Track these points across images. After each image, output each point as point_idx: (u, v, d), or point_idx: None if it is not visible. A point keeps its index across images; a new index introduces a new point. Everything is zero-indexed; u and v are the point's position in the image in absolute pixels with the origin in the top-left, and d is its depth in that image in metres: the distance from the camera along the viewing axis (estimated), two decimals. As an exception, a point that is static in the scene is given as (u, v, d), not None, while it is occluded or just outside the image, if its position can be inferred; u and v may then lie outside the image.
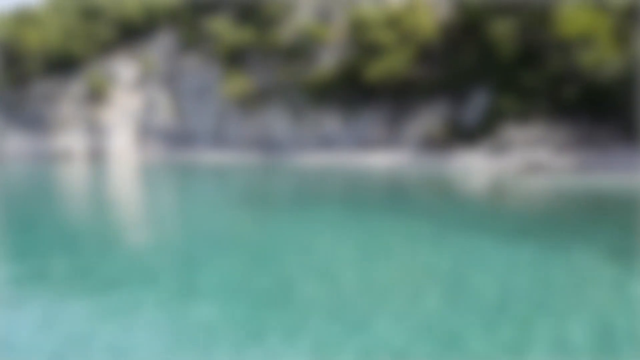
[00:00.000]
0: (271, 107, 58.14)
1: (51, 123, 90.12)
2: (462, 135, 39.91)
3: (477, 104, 40.88)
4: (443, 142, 40.73)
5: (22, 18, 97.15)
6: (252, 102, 62.33)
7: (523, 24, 35.96)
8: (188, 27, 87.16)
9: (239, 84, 65.58)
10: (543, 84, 35.24)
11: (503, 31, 36.51)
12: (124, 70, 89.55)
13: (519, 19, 35.98)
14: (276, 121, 56.50)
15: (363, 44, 45.46)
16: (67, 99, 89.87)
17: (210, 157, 68.30)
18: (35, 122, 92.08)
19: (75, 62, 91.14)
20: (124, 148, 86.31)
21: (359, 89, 47.92)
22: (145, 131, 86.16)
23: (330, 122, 50.43)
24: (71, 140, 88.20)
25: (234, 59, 71.76)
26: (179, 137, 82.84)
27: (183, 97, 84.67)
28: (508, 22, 36.57)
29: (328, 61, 52.04)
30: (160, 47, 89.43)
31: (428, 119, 43.46)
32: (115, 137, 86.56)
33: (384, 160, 42.83)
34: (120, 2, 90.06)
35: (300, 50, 55.27)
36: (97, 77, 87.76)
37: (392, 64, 43.78)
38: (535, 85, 35.53)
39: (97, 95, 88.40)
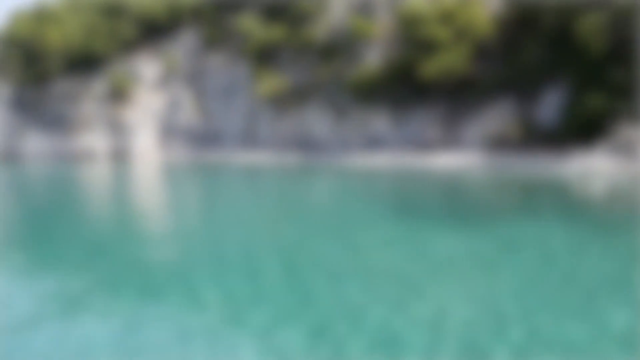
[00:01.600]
0: (309, 106, 56.02)
1: (72, 123, 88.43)
2: (537, 134, 37.64)
3: (553, 102, 38.70)
4: (517, 143, 38.43)
5: (41, 16, 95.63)
6: (286, 101, 60.37)
7: (612, 19, 33.81)
8: (212, 25, 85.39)
9: (271, 82, 63.65)
10: (633, 80, 33.19)
11: (591, 27, 34.34)
12: (146, 68, 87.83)
13: (607, 14, 33.85)
14: (315, 120, 54.30)
15: (415, 40, 43.35)
16: (89, 98, 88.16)
17: (240, 157, 66.39)
18: (55, 121, 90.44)
19: (97, 60, 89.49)
20: (147, 148, 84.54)
21: (411, 87, 45.80)
22: (169, 131, 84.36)
23: (378, 121, 48.12)
24: (93, 140, 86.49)
25: (264, 57, 69.88)
26: (205, 137, 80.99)
27: (208, 96, 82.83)
28: (596, 17, 34.37)
29: (374, 58, 49.94)
30: (184, 45, 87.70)
31: (493, 118, 41.21)
32: (138, 137, 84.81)
33: (444, 162, 40.40)
34: (142, 0, 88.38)
35: (343, 47, 53.22)
36: (119, 75, 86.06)
37: (448, 61, 41.65)
38: (625, 81, 33.47)
39: (119, 95, 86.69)
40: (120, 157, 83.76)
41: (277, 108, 62.44)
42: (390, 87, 46.85)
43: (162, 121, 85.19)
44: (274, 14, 72.69)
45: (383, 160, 44.91)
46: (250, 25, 72.82)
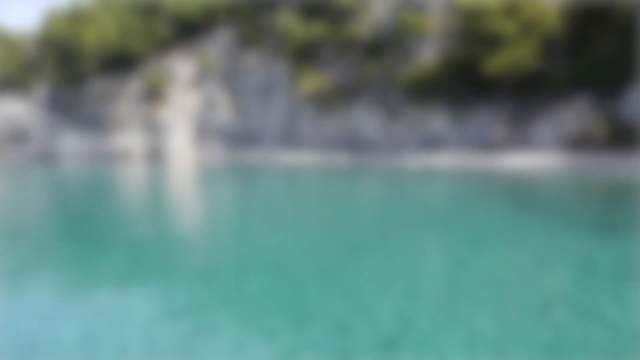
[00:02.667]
0: (357, 105, 54.40)
1: (108, 122, 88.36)
2: (623, 133, 35.27)
3: (639, 99, 36.38)
4: (601, 142, 36.14)
5: (76, 16, 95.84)
6: (330, 99, 58.93)
7: None
8: (248, 23, 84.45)
9: (313, 81, 62.29)
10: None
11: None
12: (181, 68, 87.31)
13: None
14: (364, 119, 52.63)
15: (478, 35, 41.41)
16: (124, 98, 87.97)
17: (280, 157, 65.19)
18: (91, 121, 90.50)
19: (132, 60, 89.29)
20: (182, 148, 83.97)
21: (472, 84, 43.87)
22: (204, 130, 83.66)
23: (435, 120, 46.16)
24: (129, 140, 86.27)
25: (304, 55, 68.57)
26: (241, 137, 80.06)
27: (244, 96, 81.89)
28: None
29: (428, 55, 48.15)
30: (219, 44, 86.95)
31: (569, 116, 38.95)
32: (174, 136, 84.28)
33: (516, 163, 38.19)
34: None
35: (392, 44, 51.54)
36: (155, 75, 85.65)
37: (514, 56, 39.61)
38: None
39: (155, 94, 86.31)
40: (156, 157, 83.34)
41: (320, 107, 61.01)
42: (448, 84, 44.96)
43: (197, 121, 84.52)
44: (312, 11, 71.35)
45: (444, 161, 42.94)
46: (289, 23, 71.58)
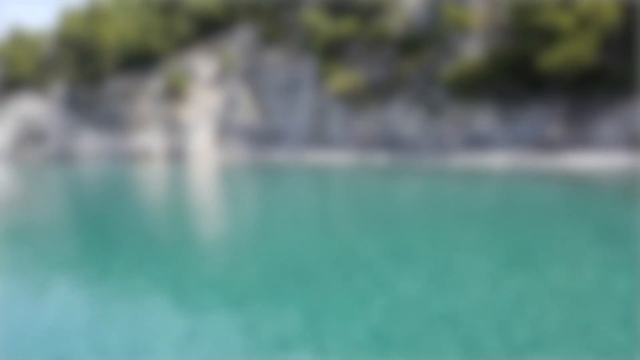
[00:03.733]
0: (393, 102, 52.60)
1: (128, 121, 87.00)
2: None
3: None
4: None
5: (94, 15, 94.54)
6: (363, 97, 57.24)
7: None
8: (269, 20, 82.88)
9: (344, 78, 60.64)
10: None
11: None
12: (202, 66, 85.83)
13: None
14: (402, 118, 50.76)
15: (532, 29, 39.53)
16: (144, 97, 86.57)
17: (308, 157, 63.55)
18: (110, 120, 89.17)
19: (152, 58, 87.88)
20: (203, 147, 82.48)
21: (523, 81, 42.04)
22: (226, 130, 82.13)
23: (482, 118, 44.24)
24: (149, 140, 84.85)
25: (332, 52, 66.92)
26: (264, 136, 78.48)
27: (267, 94, 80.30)
28: None
29: (473, 50, 46.36)
30: (240, 41, 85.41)
31: (632, 114, 37.19)
32: (195, 135, 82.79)
33: (578, 163, 36.26)
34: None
35: (431, 39, 49.78)
36: (175, 73, 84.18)
37: (572, 51, 37.77)
38: None
39: (175, 93, 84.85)
40: (177, 156, 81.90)
41: (352, 105, 59.32)
42: (496, 80, 43.12)
43: (218, 120, 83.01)
44: (339, 8, 69.67)
45: (494, 161, 41.08)
46: (316, 19, 69.91)
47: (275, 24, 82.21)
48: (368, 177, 34.19)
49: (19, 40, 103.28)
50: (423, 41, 51.15)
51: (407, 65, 51.47)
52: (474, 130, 45.20)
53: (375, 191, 26.09)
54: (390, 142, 52.07)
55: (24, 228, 17.46)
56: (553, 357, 6.70)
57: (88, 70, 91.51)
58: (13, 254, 13.13)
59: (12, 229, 17.03)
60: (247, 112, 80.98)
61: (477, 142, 44.88)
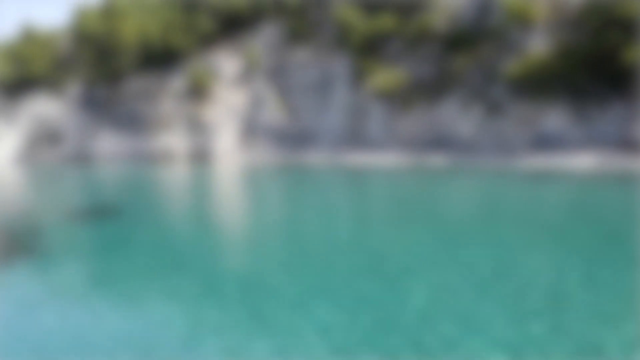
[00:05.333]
0: (445, 101, 49.85)
1: (148, 121, 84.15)
2: None
3: None
4: None
5: (111, 11, 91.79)
6: (408, 96, 54.58)
7: None
8: (297, 17, 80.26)
9: (385, 76, 58.01)
10: None
11: None
12: (226, 64, 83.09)
13: None
14: (456, 117, 48.05)
15: (614, 23, 36.94)
16: (166, 96, 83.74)
17: (345, 158, 60.87)
18: (130, 120, 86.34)
19: (174, 56, 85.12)
20: (228, 148, 79.71)
21: (601, 77, 39.34)
22: (252, 130, 79.37)
23: (552, 117, 41.46)
24: (171, 140, 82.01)
25: (369, 49, 64.32)
26: (293, 137, 75.74)
27: (295, 93, 77.63)
28: None
29: (539, 44, 43.64)
30: (265, 39, 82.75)
31: None
32: (219, 136, 80.00)
33: None
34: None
35: (492, 33, 47.07)
36: (198, 72, 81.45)
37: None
38: None
39: (198, 92, 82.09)
40: (200, 157, 79.14)
41: (394, 104, 56.64)
42: (569, 77, 40.40)
43: (244, 119, 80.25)
44: (374, 3, 67.10)
45: (571, 162, 38.30)
46: (350, 16, 67.28)
47: (302, 20, 79.57)
48: (424, 179, 31.48)
49: (32, 39, 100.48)
50: (475, 36, 48.51)
51: (460, 61, 48.80)
52: (543, 129, 42.46)
53: (436, 194, 23.41)
54: (441, 142, 49.29)
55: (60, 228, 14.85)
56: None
57: (106, 68, 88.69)
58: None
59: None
60: (273, 112, 78.27)
61: (546, 142, 42.16)
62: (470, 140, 46.41)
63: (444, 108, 49.61)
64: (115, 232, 15.75)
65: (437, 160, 47.12)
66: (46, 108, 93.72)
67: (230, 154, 78.98)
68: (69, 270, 11.35)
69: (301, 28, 78.74)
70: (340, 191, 25.80)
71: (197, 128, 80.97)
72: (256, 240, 14.13)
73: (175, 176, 41.21)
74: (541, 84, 42.07)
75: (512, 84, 44.43)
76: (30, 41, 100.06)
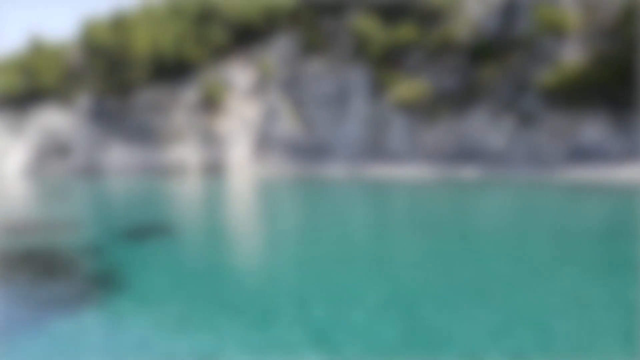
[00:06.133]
0: (473, 112, 48.96)
1: (160, 134, 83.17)
2: None
3: None
4: None
5: (120, 23, 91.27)
6: (432, 107, 53.78)
7: None
8: (311, 28, 79.79)
9: (408, 87, 57.28)
10: None
11: None
12: (239, 76, 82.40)
13: None
14: (486, 128, 47.06)
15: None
16: (178, 108, 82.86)
17: (366, 171, 59.91)
18: (141, 133, 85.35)
19: (186, 68, 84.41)
20: (242, 160, 78.72)
21: (635, 87, 38.49)
22: (266, 142, 78.45)
23: (590, 128, 40.56)
24: (184, 153, 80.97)
25: (389, 60, 63.70)
26: (308, 149, 74.83)
27: (309, 105, 76.86)
28: None
29: (572, 54, 42.94)
30: (279, 50, 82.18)
31: None
32: (233, 148, 79.03)
33: None
34: (236, 3, 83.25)
35: (523, 43, 46.36)
36: (211, 83, 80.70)
37: None
38: None
39: (211, 104, 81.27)
40: (213, 170, 78.09)
41: (417, 115, 55.83)
42: (607, 87, 39.68)
43: (257, 132, 79.37)
44: (392, 13, 66.63)
45: (614, 174, 37.27)
46: (368, 26, 66.76)
47: (317, 31, 79.09)
48: (453, 191, 30.41)
49: (41, 50, 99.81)
50: (502, 46, 47.84)
51: (488, 71, 48.07)
52: (580, 141, 41.51)
53: (469, 206, 22.36)
54: (470, 154, 48.31)
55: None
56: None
57: (117, 80, 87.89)
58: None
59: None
60: (288, 124, 77.44)
61: (584, 154, 41.24)
62: (501, 152, 45.48)
63: (472, 119, 48.75)
64: (188, 251, 14.65)
65: (467, 172, 46.17)
66: (55, 120, 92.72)
67: (244, 166, 77.96)
68: (168, 306, 10.23)
69: (315, 39, 78.23)
70: (368, 204, 24.73)
71: (210, 140, 80.00)
72: (324, 254, 13.10)
73: (194, 189, 40.12)
74: (577, 94, 41.30)
75: (546, 94, 43.66)
76: (38, 53, 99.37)
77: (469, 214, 20.82)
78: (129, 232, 18.75)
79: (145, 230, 19.40)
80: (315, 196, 29.92)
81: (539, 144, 43.45)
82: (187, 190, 39.33)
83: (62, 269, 12.63)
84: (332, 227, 17.64)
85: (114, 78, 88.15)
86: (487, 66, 49.00)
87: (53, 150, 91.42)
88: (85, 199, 34.14)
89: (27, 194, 40.35)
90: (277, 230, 17.70)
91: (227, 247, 15.11)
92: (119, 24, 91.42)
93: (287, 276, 11.74)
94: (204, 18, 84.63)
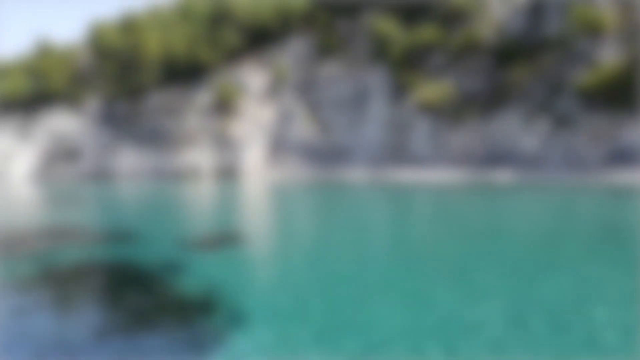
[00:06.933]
0: (503, 114, 47.66)
1: (172, 137, 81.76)
2: None
3: None
4: None
5: (129, 26, 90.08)
6: (457, 109, 52.51)
7: None
8: (326, 30, 78.66)
9: (432, 89, 56.01)
10: None
11: None
12: (253, 78, 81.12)
13: None
14: (518, 131, 45.79)
15: None
16: (191, 111, 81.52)
17: (388, 175, 58.54)
18: (152, 136, 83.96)
19: (199, 70, 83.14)
20: (256, 164, 77.33)
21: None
22: (280, 146, 77.09)
23: (633, 130, 39.30)
24: (197, 157, 79.54)
25: (410, 62, 62.44)
26: (325, 153, 73.44)
27: (325, 108, 75.59)
28: None
29: (610, 55, 41.78)
30: (293, 53, 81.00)
31: None
32: (247, 152, 77.64)
33: None
34: (249, 5, 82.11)
35: (558, 44, 45.15)
36: (224, 86, 79.41)
37: None
38: None
39: (225, 107, 79.96)
40: (227, 174, 76.65)
41: (442, 118, 54.55)
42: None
43: (272, 135, 78.01)
44: (412, 15, 65.52)
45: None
46: (388, 28, 65.58)
47: (332, 33, 77.93)
48: (487, 195, 28.97)
49: (48, 53, 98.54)
50: (533, 47, 46.65)
51: (518, 73, 46.84)
52: (621, 143, 40.23)
53: (508, 211, 20.95)
54: (500, 157, 46.92)
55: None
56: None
57: (127, 83, 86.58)
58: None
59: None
60: (303, 128, 76.11)
61: (625, 156, 39.93)
62: (536, 155, 44.10)
63: (502, 121, 47.42)
64: (269, 263, 13.23)
65: (500, 176, 44.76)
66: (64, 124, 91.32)
67: (258, 170, 76.56)
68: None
69: (331, 41, 77.03)
70: (401, 208, 23.32)
71: (224, 144, 78.62)
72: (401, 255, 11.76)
73: (215, 193, 38.68)
74: (617, 95, 40.07)
75: (583, 95, 42.41)
76: (46, 56, 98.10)
77: (507, 218, 19.41)
78: (185, 242, 17.30)
79: (200, 239, 17.97)
80: (344, 200, 28.43)
81: (577, 147, 42.12)
82: (210, 195, 37.89)
83: (152, 289, 11.16)
84: (381, 232, 16.23)
85: (124, 81, 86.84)
86: (517, 67, 47.79)
87: (61, 155, 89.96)
88: (108, 204, 32.66)
89: (45, 198, 38.88)
90: (344, 236, 16.29)
91: (308, 256, 13.70)
92: (129, 26, 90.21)
93: (374, 279, 10.33)
94: (217, 20, 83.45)
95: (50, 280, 12.05)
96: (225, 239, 17.63)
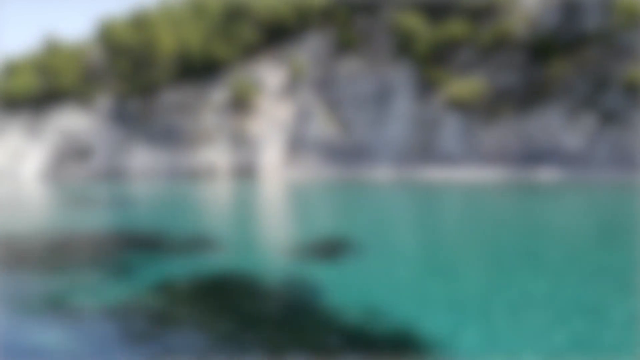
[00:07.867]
0: (542, 111, 46.02)
1: (187, 136, 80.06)
2: None
3: None
4: None
5: (141, 22, 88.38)
6: (491, 106, 50.91)
7: None
8: (345, 26, 77.03)
9: (463, 86, 54.41)
10: None
11: None
12: (270, 75, 79.49)
13: None
14: (560, 128, 44.16)
15: None
16: (206, 109, 79.81)
17: (417, 174, 56.93)
18: (166, 135, 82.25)
19: (215, 67, 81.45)
20: (273, 163, 75.67)
21: None
22: (298, 144, 75.43)
23: None
24: (213, 155, 77.85)
25: (437, 58, 60.86)
26: (346, 151, 71.78)
27: (345, 105, 73.95)
28: None
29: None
30: (311, 49, 79.36)
31: None
32: (264, 150, 75.97)
33: None
34: (267, 1, 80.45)
35: (599, 37, 43.61)
36: (241, 83, 77.74)
37: None
38: None
39: (241, 104, 78.29)
40: (244, 173, 75.01)
41: (474, 115, 52.95)
42: None
43: (290, 133, 76.34)
44: (439, 10, 63.91)
45: None
46: (413, 23, 63.95)
47: (351, 29, 76.31)
48: (531, 195, 27.42)
49: (58, 51, 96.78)
50: (573, 41, 45.06)
51: (558, 68, 45.23)
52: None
53: (555, 212, 19.44)
54: (540, 155, 45.27)
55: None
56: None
57: (140, 80, 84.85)
58: None
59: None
60: (322, 125, 74.45)
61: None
62: (581, 153, 42.48)
63: (542, 118, 45.79)
64: (389, 273, 11.68)
65: (543, 174, 43.12)
66: (74, 122, 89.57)
67: (276, 169, 74.91)
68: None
69: (350, 37, 75.41)
70: (448, 209, 21.76)
71: (241, 142, 76.95)
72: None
73: (240, 193, 37.06)
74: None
75: (630, 90, 40.86)
76: (56, 53, 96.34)
77: (555, 219, 17.86)
78: (279, 249, 15.69)
79: (286, 246, 16.33)
80: (385, 200, 26.81)
81: (625, 144, 40.55)
82: (238, 195, 36.22)
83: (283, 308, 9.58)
84: (448, 231, 14.76)
85: (137, 78, 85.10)
86: (555, 62, 46.21)
87: (72, 153, 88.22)
88: (146, 206, 30.97)
89: (71, 199, 37.22)
90: (426, 237, 14.80)
91: (412, 256, 12.13)
92: (140, 22, 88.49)
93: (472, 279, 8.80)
94: (233, 15, 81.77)
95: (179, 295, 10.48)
96: (323, 245, 16.04)
